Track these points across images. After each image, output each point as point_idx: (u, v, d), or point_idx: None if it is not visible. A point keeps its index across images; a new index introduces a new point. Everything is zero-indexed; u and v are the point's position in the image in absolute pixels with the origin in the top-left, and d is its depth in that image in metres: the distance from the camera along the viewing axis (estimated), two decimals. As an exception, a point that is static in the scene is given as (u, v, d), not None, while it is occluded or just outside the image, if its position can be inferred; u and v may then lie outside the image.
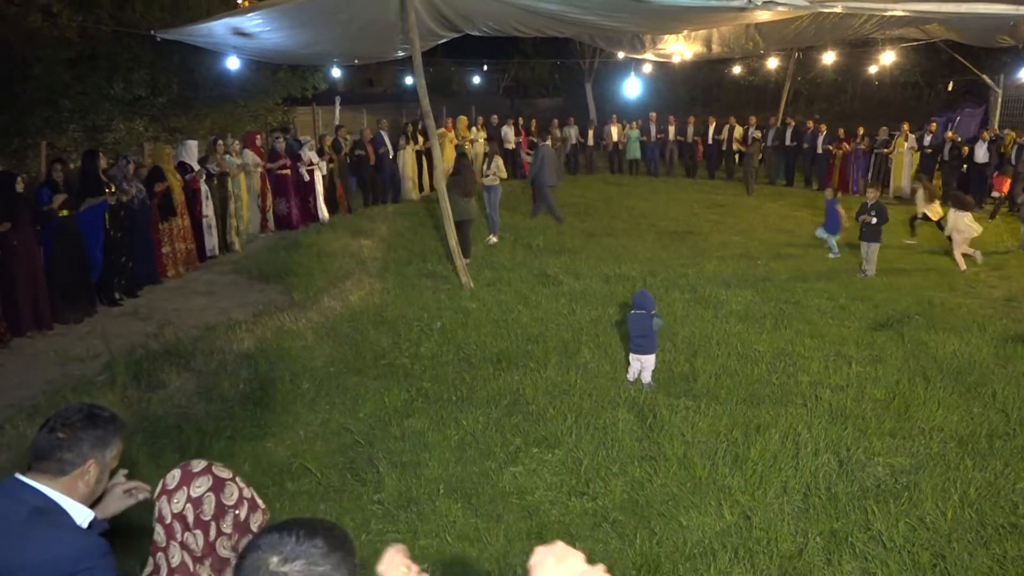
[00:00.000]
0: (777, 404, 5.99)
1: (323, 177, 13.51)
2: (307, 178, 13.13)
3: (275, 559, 1.30)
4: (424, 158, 16.36)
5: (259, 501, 1.82)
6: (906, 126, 16.65)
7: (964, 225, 10.47)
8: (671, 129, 20.27)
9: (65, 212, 7.84)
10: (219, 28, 9.79)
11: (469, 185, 10.56)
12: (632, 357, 6.44)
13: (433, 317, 8.05)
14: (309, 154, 13.18)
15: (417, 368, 6.72)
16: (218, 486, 1.74)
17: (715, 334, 7.58)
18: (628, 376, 6.47)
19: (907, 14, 9.78)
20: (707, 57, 17.84)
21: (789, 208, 15.44)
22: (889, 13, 9.93)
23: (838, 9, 8.67)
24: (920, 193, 12.00)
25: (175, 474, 1.76)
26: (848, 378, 6.48)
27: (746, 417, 5.72)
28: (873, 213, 9.86)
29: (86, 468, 1.93)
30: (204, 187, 10.57)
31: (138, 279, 9.16)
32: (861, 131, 17.28)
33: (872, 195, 10.19)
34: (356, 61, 16.07)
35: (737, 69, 26.98)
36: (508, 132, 18.78)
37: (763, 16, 10.43)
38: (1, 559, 1.80)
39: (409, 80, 33.88)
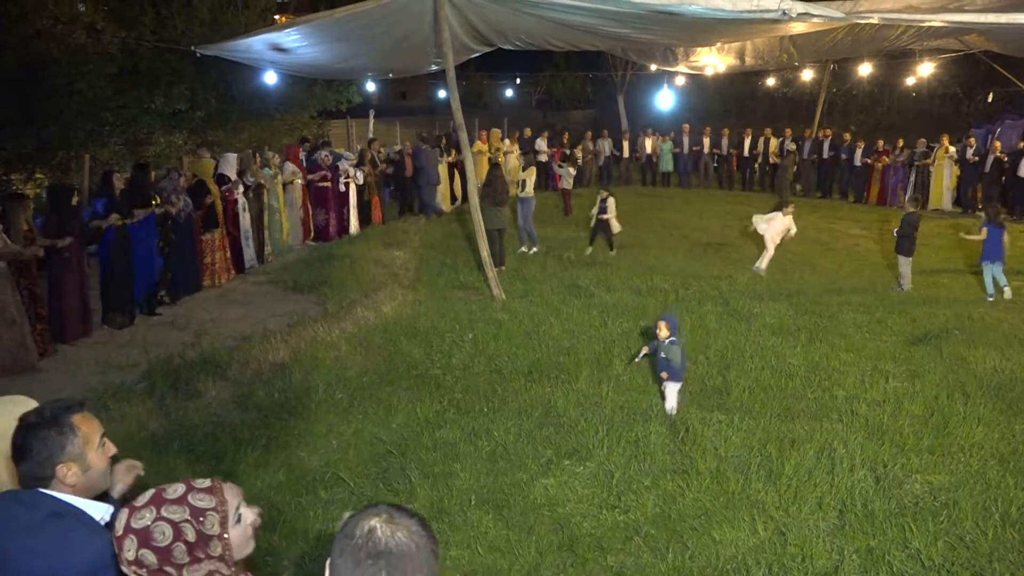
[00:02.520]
0: (812, 419, 5.91)
1: (357, 189, 13.65)
2: (343, 189, 13.31)
3: (380, 525, 1.47)
4: (456, 170, 16.47)
5: (198, 500, 1.73)
6: (946, 139, 16.39)
7: (784, 227, 10.60)
8: (706, 141, 20.21)
9: (119, 222, 8.16)
10: (257, 44, 9.98)
11: (501, 194, 10.63)
12: (678, 386, 6.04)
13: (465, 328, 8.08)
14: (347, 167, 13.35)
15: (449, 379, 6.75)
16: (144, 539, 1.66)
17: (748, 347, 7.51)
18: (674, 409, 6.07)
19: (945, 25, 9.66)
20: (740, 69, 17.79)
21: (824, 220, 15.26)
22: (927, 24, 9.82)
23: (874, 20, 8.60)
24: (611, 203, 11.75)
25: (114, 534, 1.69)
26: (885, 393, 6.38)
27: (780, 432, 5.66)
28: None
29: (58, 476, 1.99)
30: (241, 199, 10.75)
31: (179, 289, 9.37)
32: (900, 143, 17.05)
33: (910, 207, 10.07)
34: (390, 75, 16.27)
35: (771, 81, 26.79)
36: (541, 144, 18.87)
37: (798, 28, 10.37)
38: (22, 563, 1.86)
39: (442, 93, 34.22)
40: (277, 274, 10.68)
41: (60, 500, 1.98)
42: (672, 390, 6.03)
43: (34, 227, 7.30)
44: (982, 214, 10.30)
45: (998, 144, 15.50)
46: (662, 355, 5.92)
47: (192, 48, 10.67)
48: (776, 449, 5.35)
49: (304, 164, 12.82)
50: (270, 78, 13.22)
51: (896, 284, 9.93)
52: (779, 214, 10.69)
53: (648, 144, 20.48)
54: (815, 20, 8.31)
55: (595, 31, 10.27)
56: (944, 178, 16.21)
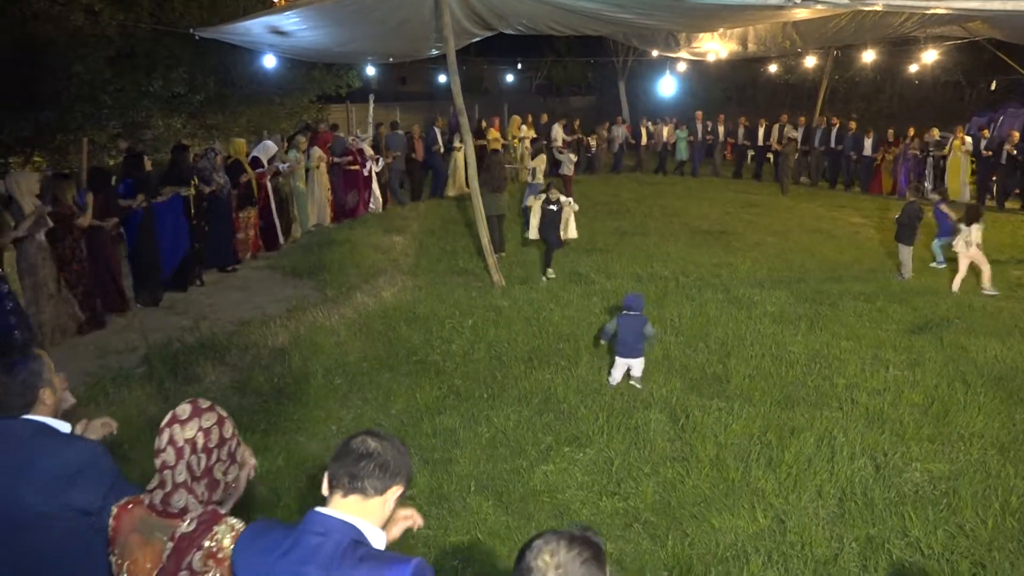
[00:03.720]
0: (812, 407, 5.91)
1: (376, 173, 14.08)
2: (365, 173, 13.65)
3: (370, 438, 1.95)
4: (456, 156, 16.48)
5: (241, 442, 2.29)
6: (960, 130, 16.25)
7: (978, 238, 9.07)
8: (720, 129, 20.13)
9: (144, 203, 8.35)
10: (256, 27, 9.90)
11: (498, 180, 10.58)
12: (620, 361, 6.26)
13: (465, 315, 8.06)
14: (368, 150, 13.71)
15: (449, 365, 6.74)
16: (221, 422, 2.14)
17: (749, 335, 7.50)
18: (612, 380, 6.31)
19: (949, 12, 9.57)
20: (742, 56, 17.63)
21: (825, 209, 15.22)
22: (931, 11, 9.72)
23: (878, 7, 8.52)
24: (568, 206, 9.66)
25: (186, 408, 2.12)
26: (885, 382, 6.38)
27: (780, 419, 5.66)
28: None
29: (40, 398, 2.44)
30: (269, 184, 11.04)
31: (217, 262, 9.81)
32: (911, 132, 16.90)
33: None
34: (390, 59, 16.15)
35: (773, 68, 26.59)
36: (558, 130, 18.86)
37: (801, 14, 10.28)
38: (18, 467, 2.32)
39: (442, 78, 33.98)
40: (276, 259, 10.66)
41: (41, 421, 2.43)
42: (617, 364, 6.31)
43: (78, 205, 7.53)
44: (935, 196, 11.14)
45: (1016, 134, 15.15)
46: None
47: (191, 31, 10.56)
48: (776, 437, 5.35)
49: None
50: (269, 62, 13.11)
51: (897, 272, 9.91)
52: (974, 227, 9.06)
53: (665, 132, 20.46)
54: (819, 6, 8.24)
55: (597, 16, 10.18)
56: (961, 170, 16.06)
